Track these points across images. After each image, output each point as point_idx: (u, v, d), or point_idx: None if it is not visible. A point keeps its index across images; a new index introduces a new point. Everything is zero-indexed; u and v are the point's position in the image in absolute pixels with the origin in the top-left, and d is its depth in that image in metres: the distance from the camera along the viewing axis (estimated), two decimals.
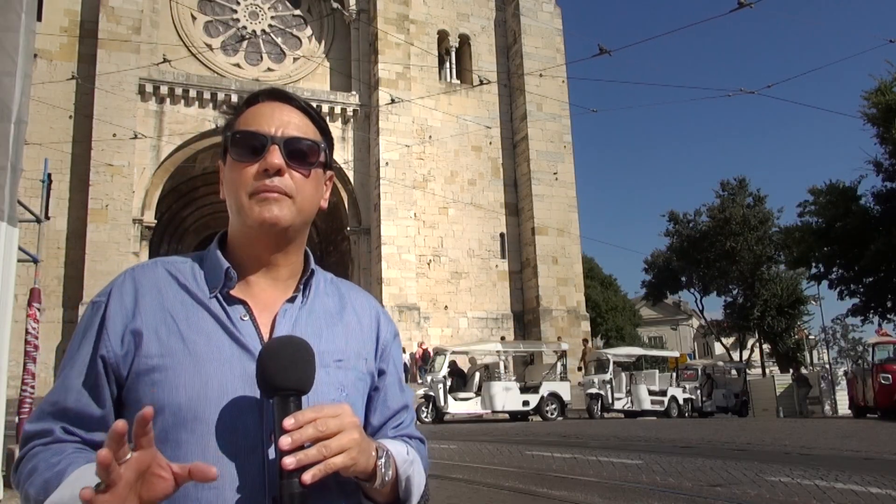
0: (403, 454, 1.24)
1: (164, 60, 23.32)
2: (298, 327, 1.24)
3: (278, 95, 1.30)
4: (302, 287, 1.29)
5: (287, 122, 1.25)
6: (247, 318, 1.22)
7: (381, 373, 1.34)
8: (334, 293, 1.35)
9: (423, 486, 1.29)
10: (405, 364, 25.58)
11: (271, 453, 1.11)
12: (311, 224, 1.34)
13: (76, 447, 1.15)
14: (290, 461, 1.04)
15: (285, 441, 1.05)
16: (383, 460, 1.18)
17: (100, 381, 1.17)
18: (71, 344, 1.23)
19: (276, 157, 1.21)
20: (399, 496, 1.24)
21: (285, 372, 1.09)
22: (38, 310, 9.98)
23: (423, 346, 26.13)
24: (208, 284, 1.24)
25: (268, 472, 1.11)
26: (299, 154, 1.24)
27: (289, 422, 1.06)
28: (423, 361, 24.26)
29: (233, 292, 1.24)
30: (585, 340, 23.28)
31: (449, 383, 20.57)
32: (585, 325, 30.95)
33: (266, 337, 1.21)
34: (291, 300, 1.27)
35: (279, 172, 1.22)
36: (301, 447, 1.05)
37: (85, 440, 1.17)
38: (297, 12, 31.17)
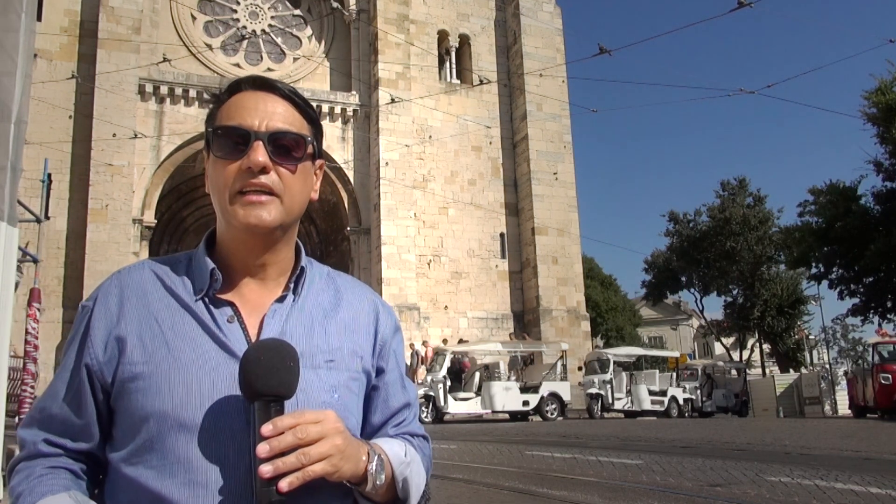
0: (401, 455, 1.21)
1: (164, 60, 23.33)
2: (288, 327, 1.20)
3: (262, 84, 1.23)
4: (293, 285, 1.24)
5: (272, 114, 1.19)
6: (234, 320, 1.18)
7: (379, 371, 1.30)
8: (330, 288, 1.30)
9: (423, 486, 1.26)
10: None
11: None
12: (301, 220, 1.30)
13: (45, 468, 1.14)
14: (266, 469, 1.02)
15: (263, 449, 1.02)
16: (374, 465, 1.14)
17: (82, 390, 1.16)
18: (65, 349, 1.23)
19: (260, 153, 1.16)
20: (398, 497, 1.20)
21: (265, 377, 1.06)
22: (38, 310, 9.98)
23: (426, 345, 25.93)
24: (194, 286, 1.20)
25: (254, 478, 1.08)
26: (285, 149, 1.19)
27: (267, 428, 1.03)
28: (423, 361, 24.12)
29: (220, 293, 1.20)
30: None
31: (448, 383, 20.57)
32: (585, 325, 30.95)
33: (254, 338, 1.17)
34: (281, 299, 1.22)
35: (264, 170, 1.17)
36: (281, 454, 1.03)
37: (70, 449, 1.17)
38: (297, 12, 31.16)
